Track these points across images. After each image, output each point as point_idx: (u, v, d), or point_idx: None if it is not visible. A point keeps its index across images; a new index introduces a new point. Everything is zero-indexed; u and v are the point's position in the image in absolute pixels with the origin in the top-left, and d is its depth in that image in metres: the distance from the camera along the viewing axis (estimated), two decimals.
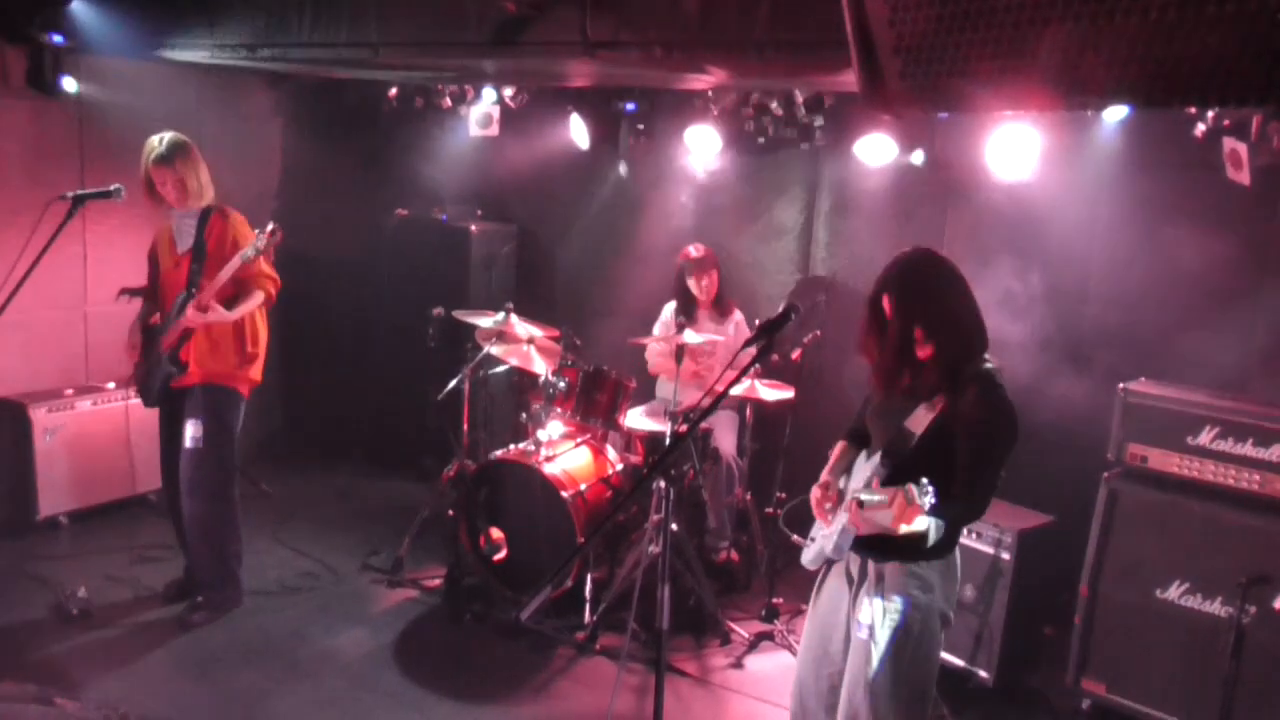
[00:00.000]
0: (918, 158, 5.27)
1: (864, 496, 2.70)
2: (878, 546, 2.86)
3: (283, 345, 4.81)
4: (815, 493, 3.02)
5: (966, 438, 2.76)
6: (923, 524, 2.62)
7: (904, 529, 2.57)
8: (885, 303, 2.90)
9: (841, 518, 2.90)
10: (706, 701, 4.35)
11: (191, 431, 4.56)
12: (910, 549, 2.80)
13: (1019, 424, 2.79)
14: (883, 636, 2.83)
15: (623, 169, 6.37)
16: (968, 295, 2.89)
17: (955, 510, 2.74)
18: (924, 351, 2.87)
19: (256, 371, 4.71)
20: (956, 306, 2.86)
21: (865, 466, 2.96)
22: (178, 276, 4.56)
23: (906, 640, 2.83)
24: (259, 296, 4.56)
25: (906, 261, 2.91)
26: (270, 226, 4.39)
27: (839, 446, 3.21)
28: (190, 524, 4.68)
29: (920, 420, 2.82)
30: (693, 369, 5.36)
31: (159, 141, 4.46)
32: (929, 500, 2.49)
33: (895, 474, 2.78)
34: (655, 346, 5.71)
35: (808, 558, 3.13)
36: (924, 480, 2.50)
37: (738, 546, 5.54)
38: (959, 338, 2.84)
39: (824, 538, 2.98)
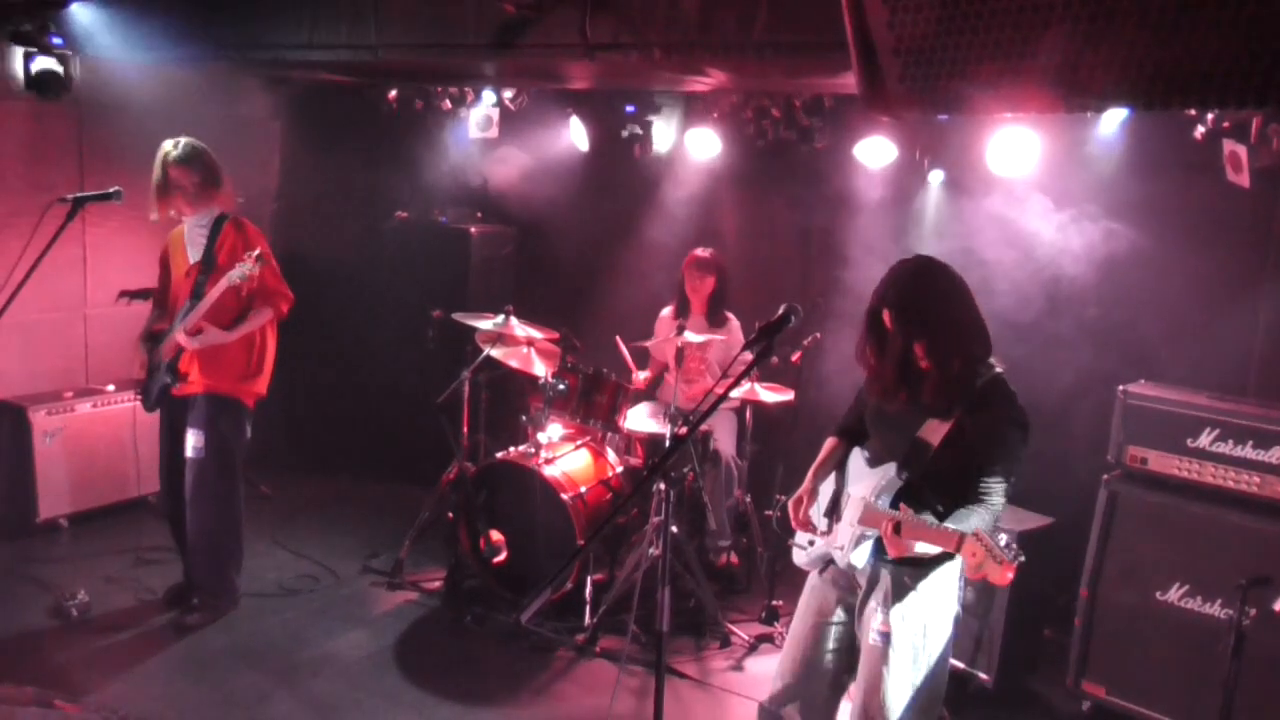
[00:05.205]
0: (918, 161, 5.29)
1: (904, 519, 2.70)
2: (901, 556, 2.81)
3: (282, 347, 4.79)
4: (792, 507, 3.03)
5: (986, 449, 2.75)
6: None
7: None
8: (885, 316, 2.87)
9: (849, 530, 2.89)
10: (706, 704, 4.35)
11: (193, 441, 4.55)
12: (935, 557, 2.80)
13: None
14: (903, 642, 2.81)
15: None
16: (969, 303, 2.86)
17: (979, 520, 2.71)
18: (925, 364, 2.84)
19: (262, 385, 4.69)
20: (958, 319, 2.83)
21: (874, 474, 2.92)
22: (186, 286, 4.55)
23: (924, 644, 2.82)
24: (266, 314, 4.54)
25: (906, 275, 2.87)
26: (257, 251, 4.35)
27: (829, 443, 3.18)
28: (193, 531, 4.67)
29: (935, 431, 2.79)
30: (683, 384, 5.31)
31: (174, 145, 4.44)
32: (1011, 553, 2.51)
33: (911, 485, 2.80)
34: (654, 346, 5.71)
35: (802, 559, 3.12)
36: (1009, 542, 2.53)
37: (738, 549, 5.54)
38: (961, 351, 2.81)
39: (834, 548, 2.96)
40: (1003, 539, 2.54)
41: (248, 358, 4.60)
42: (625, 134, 6.09)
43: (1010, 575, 2.50)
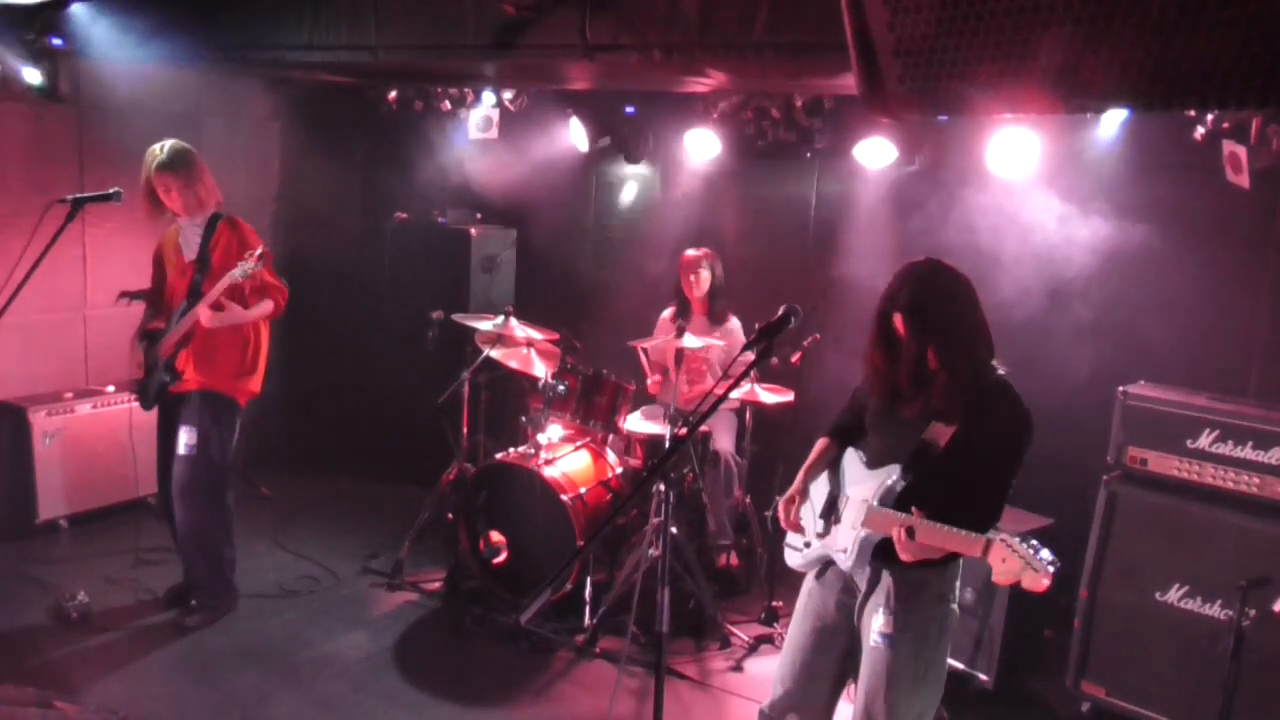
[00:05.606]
0: (918, 162, 5.30)
1: (919, 524, 2.66)
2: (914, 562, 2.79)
3: (282, 348, 4.81)
4: (783, 507, 3.01)
5: (992, 452, 2.75)
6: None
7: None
8: (897, 321, 2.84)
9: (851, 533, 2.87)
10: (706, 704, 4.35)
11: (185, 438, 4.55)
12: (940, 560, 2.78)
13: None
14: (905, 643, 2.80)
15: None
16: (976, 306, 2.85)
17: (979, 520, 2.69)
18: (934, 366, 2.82)
19: (256, 383, 4.70)
20: (968, 322, 2.82)
21: (875, 476, 2.89)
22: (182, 285, 4.55)
23: (926, 644, 2.82)
24: (269, 305, 4.55)
25: (918, 278, 2.85)
26: (259, 250, 4.38)
27: (821, 443, 3.16)
28: (183, 529, 4.67)
29: (941, 433, 2.78)
30: (685, 385, 5.29)
31: (160, 149, 4.45)
32: (1046, 561, 2.47)
33: (915, 486, 2.79)
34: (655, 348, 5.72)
35: (797, 561, 3.11)
36: (1038, 545, 2.49)
37: (738, 550, 5.53)
38: (971, 354, 2.80)
39: (836, 551, 2.94)
40: (1033, 542, 2.51)
41: (243, 355, 4.61)
42: (625, 134, 6.09)
43: (1047, 583, 2.45)
